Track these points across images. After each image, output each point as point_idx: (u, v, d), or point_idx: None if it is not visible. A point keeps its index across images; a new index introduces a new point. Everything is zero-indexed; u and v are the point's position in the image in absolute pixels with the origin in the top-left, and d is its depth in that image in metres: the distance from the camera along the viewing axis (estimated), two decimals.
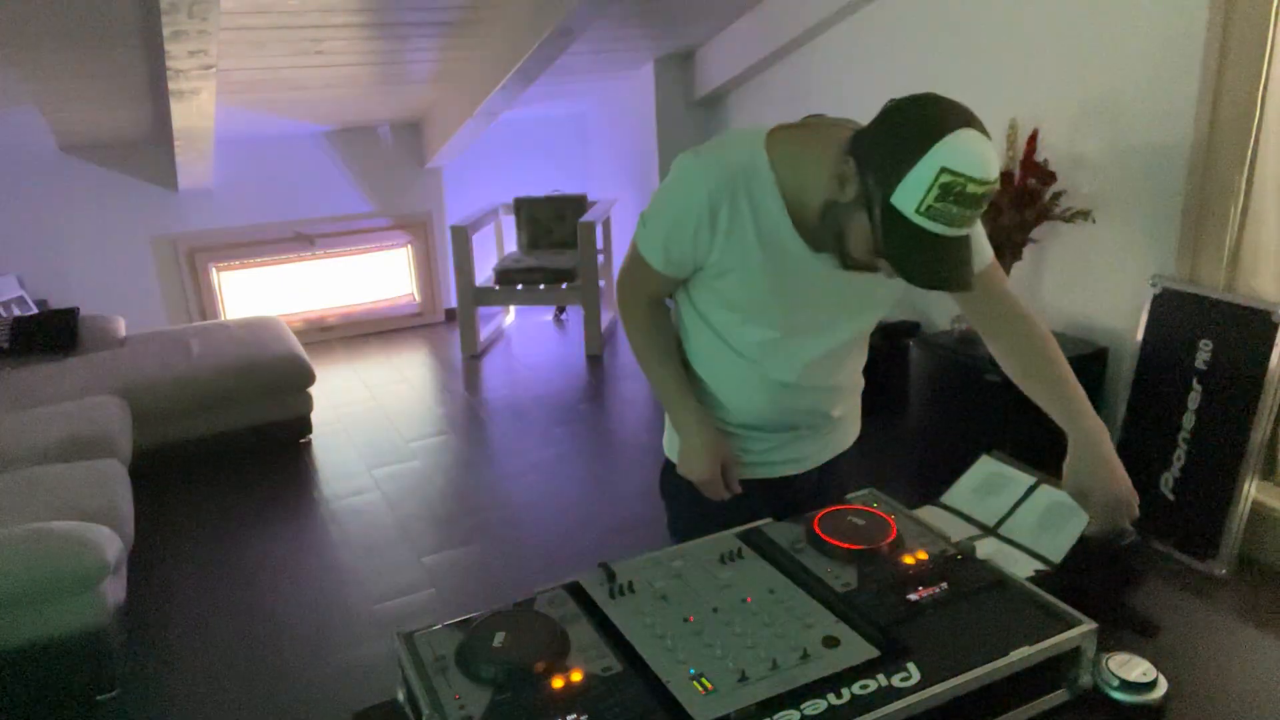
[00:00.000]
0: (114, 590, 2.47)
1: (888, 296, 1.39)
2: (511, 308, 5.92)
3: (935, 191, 1.03)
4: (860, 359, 1.49)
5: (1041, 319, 1.53)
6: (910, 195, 1.05)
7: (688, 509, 1.49)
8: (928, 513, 1.39)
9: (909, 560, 1.13)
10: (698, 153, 1.27)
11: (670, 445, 1.53)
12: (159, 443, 3.70)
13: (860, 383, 1.54)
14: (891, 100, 1.11)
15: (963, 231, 1.08)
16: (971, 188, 1.03)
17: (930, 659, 0.95)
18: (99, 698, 2.42)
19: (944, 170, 1.02)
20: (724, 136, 1.30)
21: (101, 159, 4.70)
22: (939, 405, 3.13)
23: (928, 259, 1.08)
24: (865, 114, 1.16)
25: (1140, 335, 2.82)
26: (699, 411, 1.41)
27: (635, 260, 1.37)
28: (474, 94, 4.42)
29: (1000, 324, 1.36)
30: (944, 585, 1.08)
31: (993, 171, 1.05)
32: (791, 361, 1.36)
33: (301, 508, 3.51)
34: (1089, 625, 0.99)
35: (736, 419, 1.44)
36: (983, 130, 1.07)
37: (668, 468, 1.53)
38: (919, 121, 1.06)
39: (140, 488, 3.06)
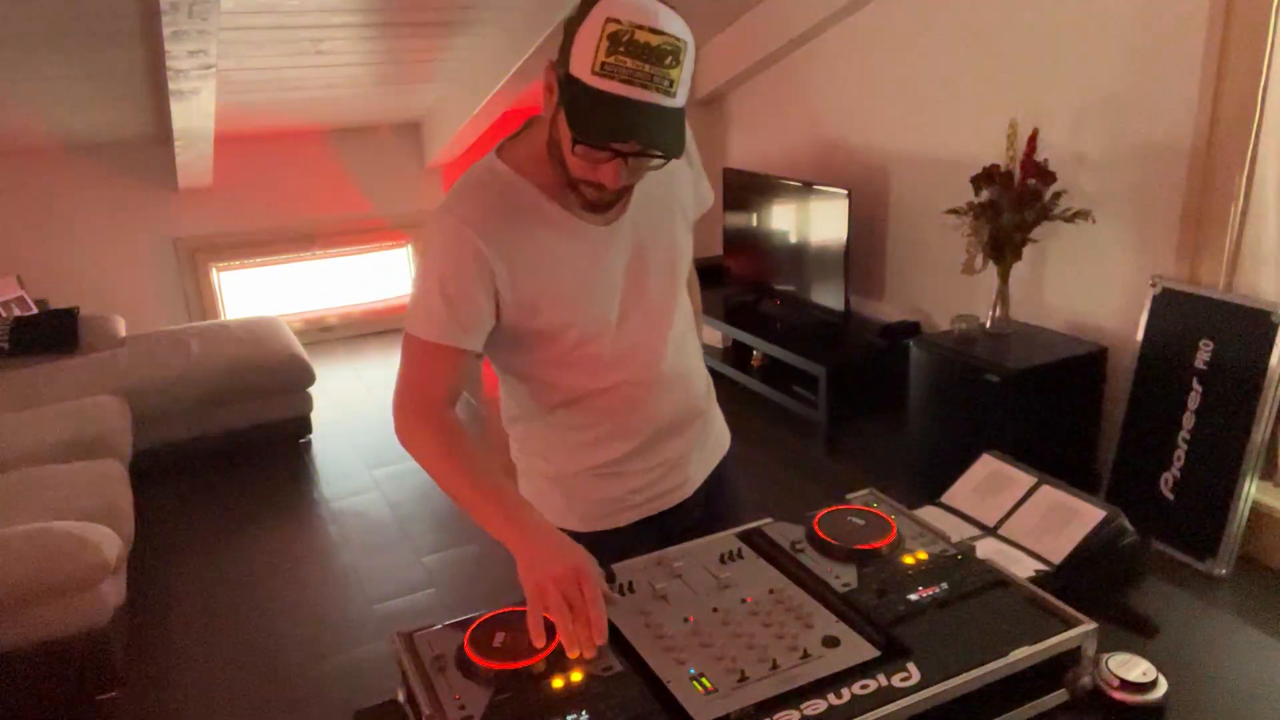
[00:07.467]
0: (114, 590, 2.47)
1: (670, 237, 1.33)
2: None
3: (605, 45, 1.00)
4: (696, 340, 1.46)
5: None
6: (583, 57, 1.01)
7: None
8: (928, 513, 1.39)
9: (909, 560, 1.13)
10: (441, 205, 1.22)
11: None
12: (159, 443, 3.70)
13: (709, 377, 1.50)
14: None
15: (650, 96, 1.02)
16: (640, 35, 0.99)
17: (930, 659, 0.95)
18: (99, 698, 2.42)
19: (609, 20, 0.99)
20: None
21: (101, 159, 4.69)
22: (939, 405, 3.13)
23: (607, 115, 1.03)
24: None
25: (1140, 335, 2.82)
26: (541, 517, 1.18)
27: (414, 361, 1.24)
28: (474, 93, 4.42)
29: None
30: (944, 585, 1.08)
31: (661, 19, 1.01)
32: (637, 360, 1.32)
33: (301, 508, 3.51)
34: (1089, 625, 0.99)
35: (612, 453, 1.36)
36: None
37: None
38: None
39: (140, 488, 3.05)
